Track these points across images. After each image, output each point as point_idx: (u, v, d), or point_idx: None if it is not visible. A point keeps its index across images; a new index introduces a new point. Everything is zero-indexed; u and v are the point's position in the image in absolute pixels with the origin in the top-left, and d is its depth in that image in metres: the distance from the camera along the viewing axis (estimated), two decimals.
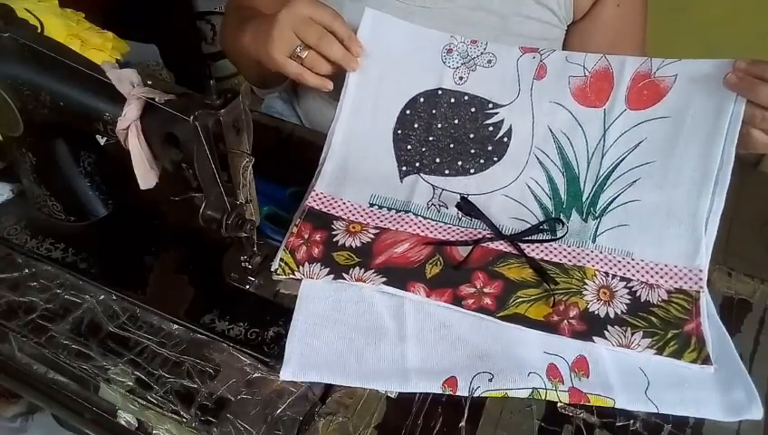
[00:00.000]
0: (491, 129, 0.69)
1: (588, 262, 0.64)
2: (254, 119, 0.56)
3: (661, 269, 0.63)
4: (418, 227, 0.67)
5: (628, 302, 0.61)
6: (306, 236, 0.65)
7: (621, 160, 0.66)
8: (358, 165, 0.71)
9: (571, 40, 0.79)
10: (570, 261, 0.64)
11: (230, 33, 0.80)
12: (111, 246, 0.67)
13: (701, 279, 0.62)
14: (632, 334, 0.59)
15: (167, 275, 0.64)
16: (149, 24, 1.39)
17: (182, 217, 0.68)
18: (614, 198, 0.66)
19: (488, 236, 0.66)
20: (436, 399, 0.55)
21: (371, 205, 0.69)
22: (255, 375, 0.56)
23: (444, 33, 0.71)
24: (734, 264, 0.70)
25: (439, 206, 0.69)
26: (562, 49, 0.79)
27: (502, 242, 0.66)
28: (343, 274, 0.62)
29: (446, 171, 0.70)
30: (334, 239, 0.65)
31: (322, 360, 0.56)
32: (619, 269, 0.63)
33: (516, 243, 0.65)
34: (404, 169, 0.71)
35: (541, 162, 0.68)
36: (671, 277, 0.62)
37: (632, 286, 0.62)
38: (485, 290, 0.62)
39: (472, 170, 0.69)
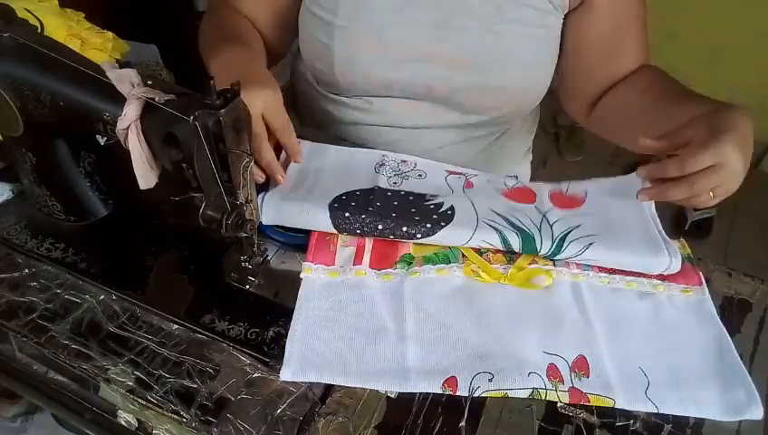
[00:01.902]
0: (432, 207, 0.68)
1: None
2: None
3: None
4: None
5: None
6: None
7: (570, 231, 0.67)
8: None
9: (569, 30, 0.79)
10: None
11: (208, 46, 0.76)
12: (111, 246, 0.67)
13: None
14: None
15: (167, 275, 0.64)
16: (149, 24, 1.39)
17: (182, 217, 0.68)
18: (573, 257, 0.66)
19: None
20: (436, 399, 0.55)
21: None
22: (255, 375, 0.56)
23: (376, 151, 0.77)
24: (734, 264, 0.70)
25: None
26: (560, 39, 0.79)
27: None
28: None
29: (391, 237, 0.66)
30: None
31: (322, 360, 0.56)
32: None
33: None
34: (342, 228, 0.66)
35: (492, 227, 0.66)
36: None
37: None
38: None
39: (419, 235, 0.65)
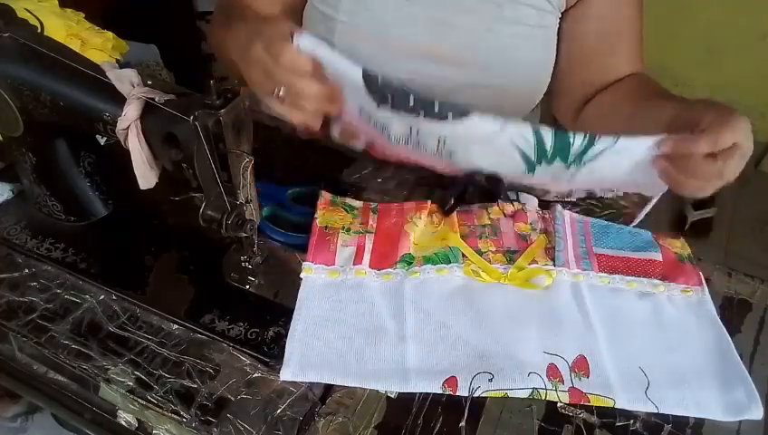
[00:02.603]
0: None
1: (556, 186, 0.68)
2: (253, 119, 0.56)
3: (625, 183, 0.66)
4: (401, 150, 0.66)
5: (581, 196, 0.67)
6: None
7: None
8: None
9: (564, 26, 0.79)
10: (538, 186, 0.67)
11: (217, 34, 0.76)
12: (111, 246, 0.67)
13: (661, 191, 0.64)
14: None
15: (167, 275, 0.64)
16: (149, 24, 1.39)
17: (182, 217, 0.68)
18: (603, 151, 0.60)
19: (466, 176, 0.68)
20: (436, 399, 0.55)
21: (360, 113, 0.64)
22: (255, 375, 0.56)
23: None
24: (734, 264, 0.70)
25: (418, 142, 0.64)
26: (558, 37, 0.79)
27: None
28: None
29: (421, 112, 0.59)
30: None
31: (322, 360, 0.56)
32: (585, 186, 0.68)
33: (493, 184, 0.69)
34: (375, 95, 0.60)
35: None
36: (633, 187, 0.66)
37: (591, 189, 0.68)
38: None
39: (450, 115, 0.59)
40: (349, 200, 0.72)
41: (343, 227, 0.68)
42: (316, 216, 0.69)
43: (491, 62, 0.76)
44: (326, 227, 0.68)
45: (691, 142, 0.56)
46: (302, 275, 0.63)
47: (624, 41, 0.78)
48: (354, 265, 0.65)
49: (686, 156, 0.57)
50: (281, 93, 0.58)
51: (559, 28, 0.79)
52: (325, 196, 0.71)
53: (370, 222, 0.69)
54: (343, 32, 0.76)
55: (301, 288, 0.62)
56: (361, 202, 0.72)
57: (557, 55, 0.81)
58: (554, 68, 0.81)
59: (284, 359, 0.56)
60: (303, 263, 0.64)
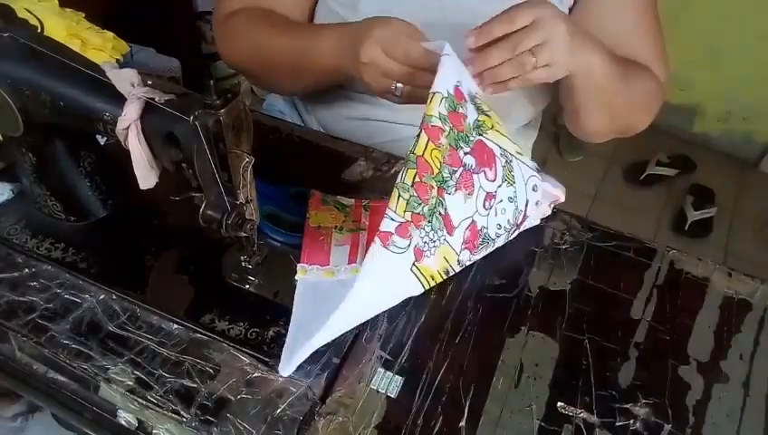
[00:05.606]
0: None
1: None
2: (254, 119, 0.56)
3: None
4: None
5: None
6: None
7: None
8: None
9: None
10: None
11: (263, 36, 0.78)
12: (111, 246, 0.67)
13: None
14: None
15: (167, 275, 0.64)
16: (149, 24, 1.39)
17: (182, 217, 0.68)
18: None
19: None
20: (436, 399, 0.55)
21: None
22: (255, 375, 0.56)
23: None
24: (734, 264, 0.70)
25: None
26: None
27: None
28: None
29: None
30: None
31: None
32: None
33: None
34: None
35: None
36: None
37: None
38: None
39: None
40: (340, 198, 0.71)
41: (336, 226, 0.68)
42: (308, 216, 0.68)
43: None
44: (318, 226, 0.68)
45: (488, 26, 0.59)
46: (296, 277, 0.63)
47: (633, 44, 0.76)
48: (349, 263, 0.64)
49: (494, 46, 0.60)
50: (397, 91, 0.64)
51: None
52: (315, 195, 0.71)
53: (363, 219, 0.69)
54: None
55: (296, 290, 0.62)
56: (353, 200, 0.72)
57: None
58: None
59: (282, 355, 0.56)
60: (298, 265, 0.64)
